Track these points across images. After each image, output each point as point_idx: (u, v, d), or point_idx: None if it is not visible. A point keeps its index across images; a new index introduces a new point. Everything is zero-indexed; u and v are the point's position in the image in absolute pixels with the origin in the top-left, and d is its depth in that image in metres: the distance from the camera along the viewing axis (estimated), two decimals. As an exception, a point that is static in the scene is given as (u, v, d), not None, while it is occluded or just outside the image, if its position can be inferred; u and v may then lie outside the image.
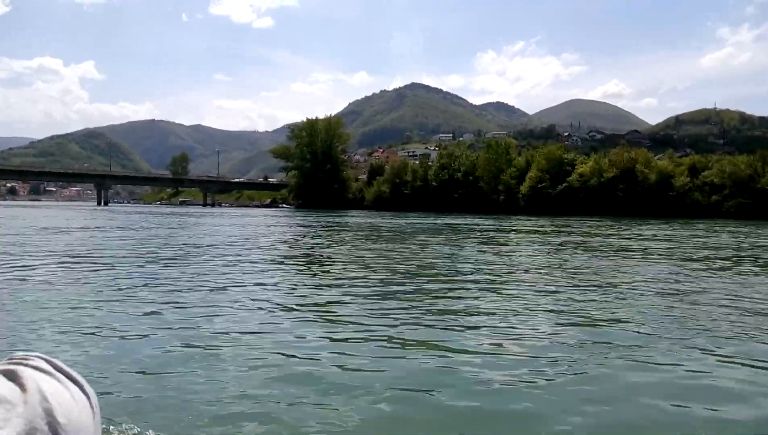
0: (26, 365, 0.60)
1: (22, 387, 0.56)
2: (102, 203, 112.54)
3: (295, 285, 9.83)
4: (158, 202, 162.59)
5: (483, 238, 23.51)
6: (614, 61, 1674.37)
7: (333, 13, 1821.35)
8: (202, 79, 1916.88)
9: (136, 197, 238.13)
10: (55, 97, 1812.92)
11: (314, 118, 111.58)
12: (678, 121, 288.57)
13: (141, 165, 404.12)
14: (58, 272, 10.77)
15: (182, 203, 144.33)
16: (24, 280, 9.72)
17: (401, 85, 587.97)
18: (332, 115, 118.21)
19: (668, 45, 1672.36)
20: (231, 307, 7.56)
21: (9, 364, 0.60)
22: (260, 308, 7.53)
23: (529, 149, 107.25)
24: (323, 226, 33.07)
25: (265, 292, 8.90)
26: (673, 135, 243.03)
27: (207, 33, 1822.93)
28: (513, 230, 30.32)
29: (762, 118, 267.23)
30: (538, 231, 29.00)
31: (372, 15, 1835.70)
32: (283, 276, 10.90)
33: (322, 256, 15.21)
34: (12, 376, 0.57)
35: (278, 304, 7.83)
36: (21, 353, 0.63)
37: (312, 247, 18.14)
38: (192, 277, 10.32)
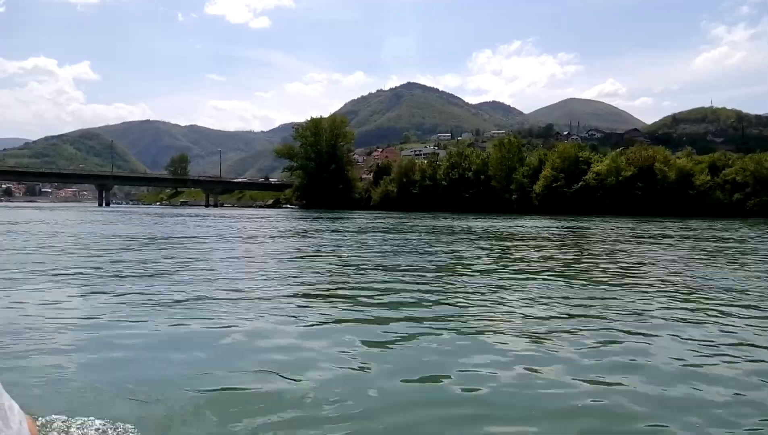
0: None
1: None
2: (104, 204, 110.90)
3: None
4: (158, 203, 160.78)
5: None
6: (610, 60, 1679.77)
7: (329, 13, 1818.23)
8: (196, 79, 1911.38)
9: (133, 198, 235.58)
10: (50, 97, 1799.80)
11: (319, 117, 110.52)
12: (675, 119, 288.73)
13: (136, 165, 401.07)
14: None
15: (183, 204, 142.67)
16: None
17: (397, 84, 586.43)
18: (332, 113, 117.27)
19: (663, 44, 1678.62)
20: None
21: None
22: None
23: (530, 148, 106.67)
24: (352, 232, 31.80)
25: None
26: (672, 133, 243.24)
27: (202, 33, 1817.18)
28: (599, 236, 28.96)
29: (758, 117, 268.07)
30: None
31: (368, 15, 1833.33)
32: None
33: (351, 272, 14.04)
34: None
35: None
36: None
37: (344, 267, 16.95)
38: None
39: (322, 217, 49.96)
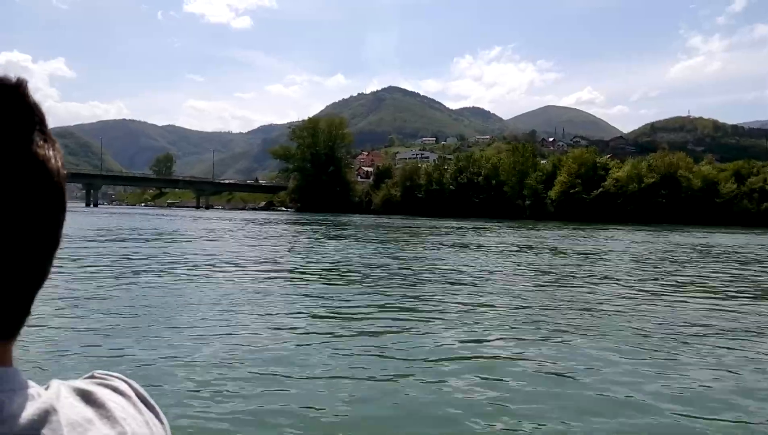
0: (105, 386, 0.59)
1: (96, 410, 0.54)
2: (92, 205, 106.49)
3: None
4: (143, 204, 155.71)
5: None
6: (588, 68, 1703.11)
7: (311, 14, 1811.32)
8: (175, 79, 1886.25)
9: (111, 199, 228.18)
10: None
11: (316, 117, 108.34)
12: (653, 128, 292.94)
13: (113, 165, 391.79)
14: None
15: (170, 205, 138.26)
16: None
17: (378, 88, 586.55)
18: (311, 116, 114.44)
19: (641, 53, 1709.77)
20: None
21: (88, 383, 0.59)
22: None
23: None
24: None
25: None
26: (653, 141, 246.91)
27: (182, 32, 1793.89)
28: None
29: (734, 127, 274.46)
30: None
31: (350, 17, 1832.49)
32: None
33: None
34: (88, 398, 0.55)
35: None
36: (101, 372, 0.62)
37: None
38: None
39: (332, 225, 47.30)
